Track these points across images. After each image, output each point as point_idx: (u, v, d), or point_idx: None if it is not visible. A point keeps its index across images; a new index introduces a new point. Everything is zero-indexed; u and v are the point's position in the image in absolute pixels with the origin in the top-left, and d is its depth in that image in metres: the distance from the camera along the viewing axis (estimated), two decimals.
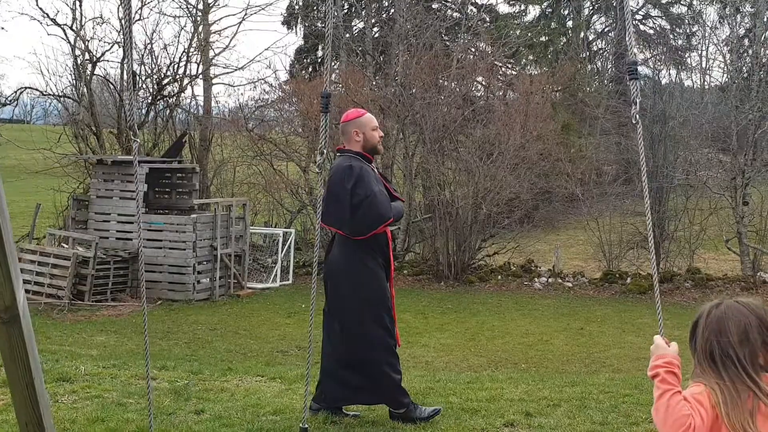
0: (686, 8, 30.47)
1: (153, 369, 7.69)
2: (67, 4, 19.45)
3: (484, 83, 25.01)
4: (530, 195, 20.10)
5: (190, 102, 21.47)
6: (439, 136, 19.56)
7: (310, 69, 27.54)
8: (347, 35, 25.12)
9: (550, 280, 19.24)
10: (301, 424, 4.97)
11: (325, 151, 3.30)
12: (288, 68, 25.85)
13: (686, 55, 29.58)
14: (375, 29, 24.61)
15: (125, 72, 19.52)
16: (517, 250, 20.47)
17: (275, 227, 21.38)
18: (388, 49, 21.79)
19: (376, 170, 6.11)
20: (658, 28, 31.79)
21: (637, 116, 3.32)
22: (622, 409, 6.43)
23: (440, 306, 17.32)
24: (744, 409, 2.62)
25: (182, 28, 18.94)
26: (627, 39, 3.27)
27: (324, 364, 6.11)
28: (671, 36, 30.84)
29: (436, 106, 19.35)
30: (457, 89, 20.56)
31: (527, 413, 6.18)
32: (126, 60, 18.67)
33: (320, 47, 27.09)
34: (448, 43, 22.41)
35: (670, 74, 28.91)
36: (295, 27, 28.17)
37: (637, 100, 3.29)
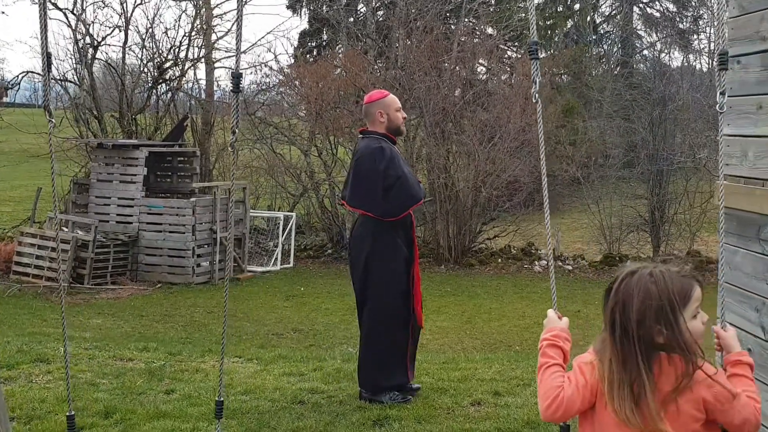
0: None
1: (134, 350, 7.79)
2: None
3: (487, 66, 24.95)
4: (531, 178, 20.07)
5: (192, 86, 21.52)
6: (440, 120, 19.53)
7: (315, 53, 27.52)
8: (350, 19, 25.09)
9: (549, 263, 19.22)
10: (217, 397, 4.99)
11: (236, 130, 3.29)
12: (292, 52, 25.84)
13: (693, 38, 29.38)
14: (380, 12, 24.55)
15: (127, 56, 19.64)
16: (518, 233, 20.46)
17: (279, 211, 21.45)
18: (390, 33, 21.75)
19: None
20: (665, 11, 31.58)
21: (537, 95, 3.30)
22: None
23: (439, 289, 17.35)
24: (628, 393, 2.49)
25: (183, 12, 19.06)
26: (530, 27, 3.26)
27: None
28: (678, 19, 30.64)
29: (437, 90, 19.31)
30: (459, 72, 20.50)
31: (496, 392, 6.22)
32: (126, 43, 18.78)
33: (325, 31, 27.08)
34: (452, 26, 22.32)
35: (670, 57, 28.71)
36: (300, 11, 28.15)
37: (537, 79, 3.26)
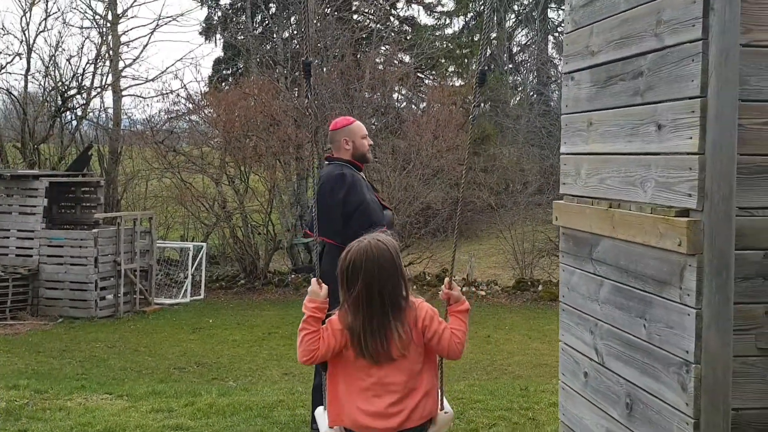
0: None
1: (2, 389, 7.40)
2: None
3: (403, 93, 24.97)
4: (445, 205, 20.05)
5: (98, 114, 21.03)
6: None
7: (230, 80, 27.23)
8: (267, 47, 24.90)
9: (463, 288, 19.18)
10: None
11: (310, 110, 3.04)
12: (204, 79, 25.49)
13: None
14: (294, 42, 24.42)
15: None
16: (432, 259, 20.38)
17: (193, 241, 21.03)
18: (299, 60, 21.62)
19: (365, 179, 6.03)
20: None
21: (476, 117, 3.17)
22: (467, 415, 6.35)
23: None
24: (380, 339, 3.24)
25: (86, 38, 18.61)
26: (481, 53, 3.14)
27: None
28: None
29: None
30: (371, 98, 20.44)
31: None
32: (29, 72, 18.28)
33: (240, 59, 26.80)
34: (366, 52, 22.28)
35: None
36: (214, 37, 27.85)
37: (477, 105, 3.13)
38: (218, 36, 27.28)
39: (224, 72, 27.26)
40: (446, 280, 3.59)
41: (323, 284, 3.50)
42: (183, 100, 20.20)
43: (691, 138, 2.87)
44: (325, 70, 20.08)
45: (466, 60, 30.10)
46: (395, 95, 24.55)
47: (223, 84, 26.55)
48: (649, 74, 3.16)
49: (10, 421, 6.03)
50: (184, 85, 29.46)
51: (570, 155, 3.89)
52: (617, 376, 3.39)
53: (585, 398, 3.72)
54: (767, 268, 2.90)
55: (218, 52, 27.65)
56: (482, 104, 28.55)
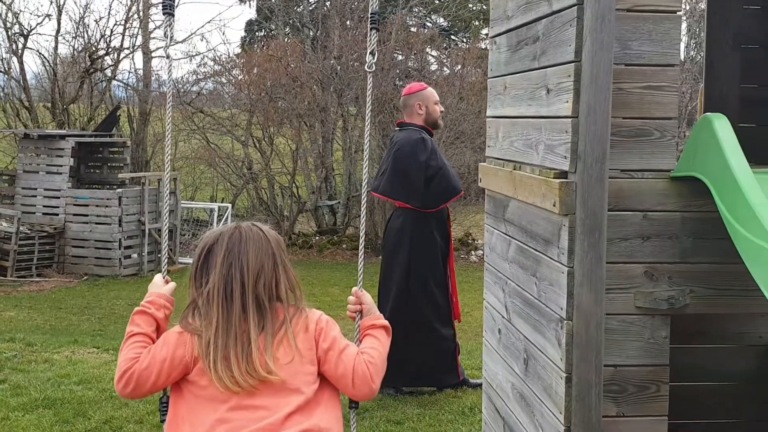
0: None
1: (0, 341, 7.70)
2: None
3: (434, 55, 24.90)
4: (469, 169, 20.06)
5: (128, 76, 21.33)
6: (376, 110, 19.46)
7: (263, 42, 27.36)
8: (298, 8, 24.94)
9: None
10: None
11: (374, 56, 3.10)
12: (236, 41, 25.65)
13: None
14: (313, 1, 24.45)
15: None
16: (455, 222, 20.42)
17: (222, 201, 21.32)
18: (326, 22, 21.65)
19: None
20: None
21: (373, 64, 3.24)
22: None
23: (371, 279, 16.99)
24: (241, 352, 2.40)
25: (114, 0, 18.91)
26: None
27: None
28: None
29: (373, 80, 19.23)
30: (396, 62, 20.43)
31: None
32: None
33: (272, 21, 26.88)
34: (393, 13, 22.22)
35: None
36: (249, 0, 27.97)
37: (375, 50, 3.19)
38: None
39: (257, 34, 27.40)
40: (353, 289, 2.84)
41: (171, 281, 2.75)
42: (211, 62, 20.41)
43: (567, 102, 2.94)
44: (343, 31, 20.09)
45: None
46: (425, 57, 24.46)
47: (255, 46, 26.69)
48: (543, 39, 3.22)
49: None
50: (213, 48, 29.63)
51: (492, 118, 3.97)
52: (519, 333, 3.50)
53: (499, 354, 3.83)
54: (646, 228, 2.97)
55: (249, 14, 27.80)
56: None
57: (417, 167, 5.77)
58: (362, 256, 3.08)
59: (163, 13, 3.04)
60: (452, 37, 28.73)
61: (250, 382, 2.38)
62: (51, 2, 19.28)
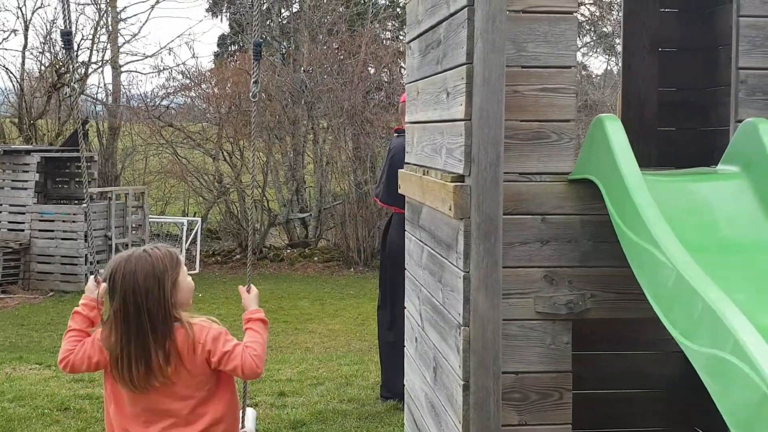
0: None
1: None
2: None
3: (404, 67, 24.87)
4: None
5: (97, 90, 21.21)
6: (344, 123, 19.46)
7: (236, 55, 27.35)
8: (270, 23, 24.90)
9: None
10: None
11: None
12: (208, 55, 25.61)
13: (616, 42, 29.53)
14: (285, 14, 24.45)
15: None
16: None
17: (194, 216, 21.20)
18: (296, 35, 21.65)
19: None
20: (589, 15, 31.69)
21: (257, 94, 3.25)
22: None
23: (341, 292, 17.21)
24: (139, 364, 2.90)
25: (81, 14, 18.71)
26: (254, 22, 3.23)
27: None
28: (600, 23, 30.77)
29: (342, 92, 19.23)
30: (364, 75, 20.42)
31: (281, 393, 6.13)
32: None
33: (242, 35, 26.88)
34: (361, 27, 22.24)
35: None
36: (221, 15, 27.95)
37: (258, 80, 3.20)
38: (225, 14, 27.36)
39: (230, 48, 27.37)
40: (239, 287, 3.39)
41: (102, 283, 3.14)
42: (180, 76, 20.33)
43: (461, 105, 2.90)
44: (317, 47, 20.09)
45: None
46: (398, 69, 24.49)
47: (228, 60, 26.65)
48: (444, 42, 3.19)
49: None
50: (183, 62, 29.61)
51: (409, 124, 3.93)
52: (430, 341, 3.44)
53: (415, 364, 3.78)
54: (545, 232, 2.93)
55: (221, 29, 27.78)
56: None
57: None
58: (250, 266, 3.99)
59: (65, 48, 3.26)
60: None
61: (145, 387, 2.93)
62: (17, 18, 19.16)
